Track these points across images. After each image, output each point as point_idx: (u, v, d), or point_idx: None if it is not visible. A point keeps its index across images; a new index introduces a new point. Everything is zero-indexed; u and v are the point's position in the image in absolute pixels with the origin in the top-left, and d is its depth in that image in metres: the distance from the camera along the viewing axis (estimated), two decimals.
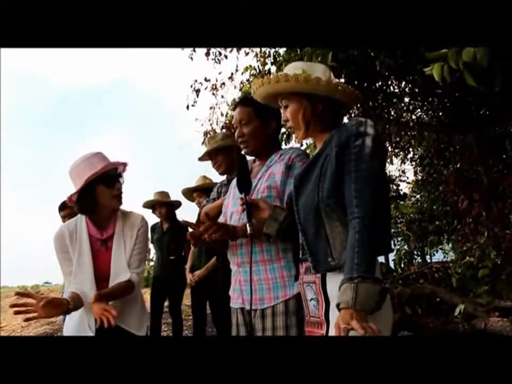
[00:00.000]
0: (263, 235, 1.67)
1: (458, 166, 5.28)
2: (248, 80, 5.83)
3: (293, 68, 1.57)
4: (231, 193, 2.05)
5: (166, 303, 4.57)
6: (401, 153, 7.33)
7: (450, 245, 6.91)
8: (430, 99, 5.00)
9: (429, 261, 7.36)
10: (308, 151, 3.35)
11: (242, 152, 2.00)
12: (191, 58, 5.91)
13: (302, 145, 4.06)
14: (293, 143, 4.14)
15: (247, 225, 1.61)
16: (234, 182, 2.06)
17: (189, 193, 3.93)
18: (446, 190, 5.04)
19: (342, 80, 3.88)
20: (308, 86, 1.49)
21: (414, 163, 7.91)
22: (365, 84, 4.03)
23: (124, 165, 2.08)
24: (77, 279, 2.00)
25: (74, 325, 1.98)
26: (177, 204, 4.51)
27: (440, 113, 5.27)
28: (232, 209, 1.97)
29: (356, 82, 3.98)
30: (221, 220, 2.05)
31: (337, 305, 1.22)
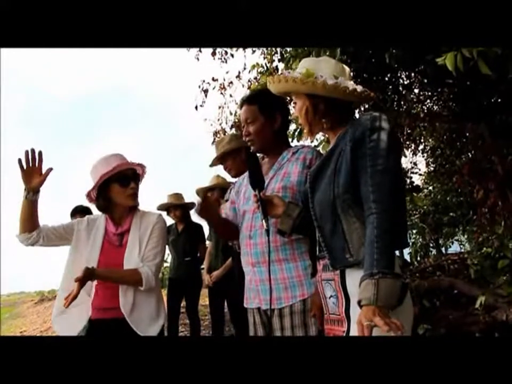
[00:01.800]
0: (278, 232, 1.66)
1: (471, 155, 5.20)
2: (255, 78, 5.82)
3: (300, 66, 1.56)
4: (242, 192, 2.03)
5: (183, 304, 4.59)
6: (412, 145, 7.26)
7: (465, 236, 6.82)
8: (440, 89, 4.92)
9: (444, 252, 7.30)
10: (320, 148, 3.33)
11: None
12: (197, 58, 5.92)
13: (313, 141, 4.03)
14: (304, 140, 4.10)
15: (263, 221, 1.59)
16: (244, 180, 2.06)
17: (203, 193, 3.91)
18: (460, 180, 4.97)
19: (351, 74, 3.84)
20: (305, 88, 1.48)
21: (425, 154, 7.83)
22: (374, 78, 3.99)
23: (141, 166, 2.13)
24: (78, 265, 1.97)
25: (70, 323, 1.99)
26: (192, 206, 4.48)
27: (451, 103, 5.20)
28: (244, 208, 1.95)
29: (364, 75, 3.94)
30: (233, 219, 2.05)
31: (359, 302, 1.21)
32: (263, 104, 1.89)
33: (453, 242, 7.18)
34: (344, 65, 1.58)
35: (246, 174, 2.08)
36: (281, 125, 1.95)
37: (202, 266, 4.46)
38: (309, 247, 1.73)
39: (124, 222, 2.10)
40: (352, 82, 1.52)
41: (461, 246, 7.20)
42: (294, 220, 1.61)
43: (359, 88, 1.49)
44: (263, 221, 1.59)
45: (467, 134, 5.77)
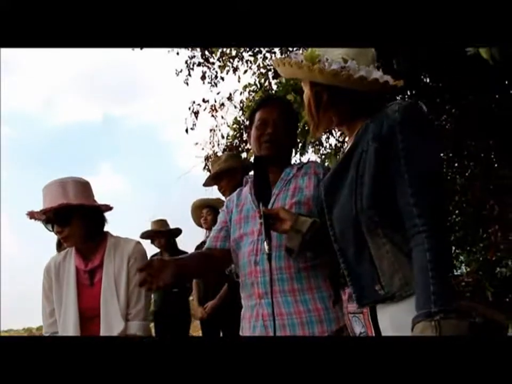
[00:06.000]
0: (285, 251, 1.41)
1: (477, 172, 5.02)
2: (248, 98, 5.62)
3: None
4: (236, 214, 1.76)
5: None
6: None
7: (469, 257, 6.62)
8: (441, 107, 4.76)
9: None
10: (327, 162, 3.08)
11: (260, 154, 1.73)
12: (187, 83, 5.77)
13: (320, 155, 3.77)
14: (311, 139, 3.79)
15: (265, 243, 1.33)
16: (239, 198, 1.81)
17: (199, 209, 3.62)
18: (475, 196, 4.74)
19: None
20: (301, 73, 1.22)
21: None
22: None
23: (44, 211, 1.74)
24: (59, 318, 1.76)
25: None
26: (177, 232, 4.20)
27: (450, 119, 5.05)
28: (244, 230, 1.67)
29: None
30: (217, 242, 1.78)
31: None
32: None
33: (461, 264, 6.98)
34: (367, 49, 1.28)
35: (241, 190, 1.84)
36: (295, 140, 1.84)
37: (190, 298, 4.16)
38: (330, 271, 1.47)
39: (93, 256, 1.79)
40: (371, 68, 1.22)
41: (466, 268, 6.98)
42: (303, 235, 1.30)
43: (376, 75, 1.19)
44: (265, 243, 1.32)
45: (465, 153, 5.62)
